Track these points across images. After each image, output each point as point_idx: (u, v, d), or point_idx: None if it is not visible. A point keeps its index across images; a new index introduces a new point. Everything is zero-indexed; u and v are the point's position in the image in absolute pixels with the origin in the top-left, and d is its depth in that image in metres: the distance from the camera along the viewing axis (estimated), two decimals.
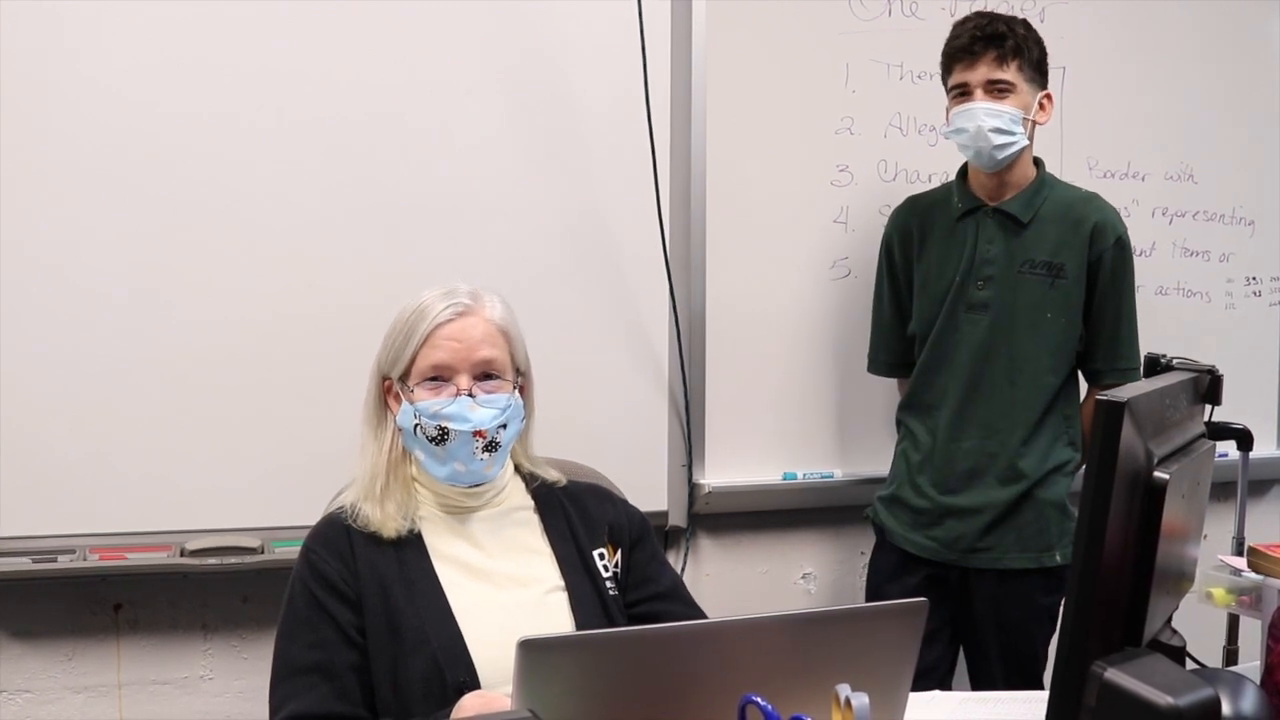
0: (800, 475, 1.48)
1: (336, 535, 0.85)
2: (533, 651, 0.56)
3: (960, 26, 1.25)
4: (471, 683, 0.79)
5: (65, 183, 1.15)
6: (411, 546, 0.85)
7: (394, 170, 1.26)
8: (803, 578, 1.54)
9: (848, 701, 0.55)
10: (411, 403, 0.85)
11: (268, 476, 1.21)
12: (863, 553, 1.48)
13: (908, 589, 1.26)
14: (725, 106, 1.41)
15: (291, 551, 0.90)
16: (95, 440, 1.16)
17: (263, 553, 1.20)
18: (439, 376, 0.85)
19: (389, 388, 0.88)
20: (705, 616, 0.89)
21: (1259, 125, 1.71)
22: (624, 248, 1.36)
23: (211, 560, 1.18)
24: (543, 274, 1.31)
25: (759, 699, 0.56)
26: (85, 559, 1.16)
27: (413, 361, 0.85)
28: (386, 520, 0.84)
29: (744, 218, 1.43)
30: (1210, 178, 1.68)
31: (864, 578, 1.43)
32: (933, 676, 1.26)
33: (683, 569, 1.43)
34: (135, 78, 1.16)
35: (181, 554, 1.18)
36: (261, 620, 1.26)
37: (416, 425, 0.85)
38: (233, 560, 1.19)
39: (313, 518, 0.91)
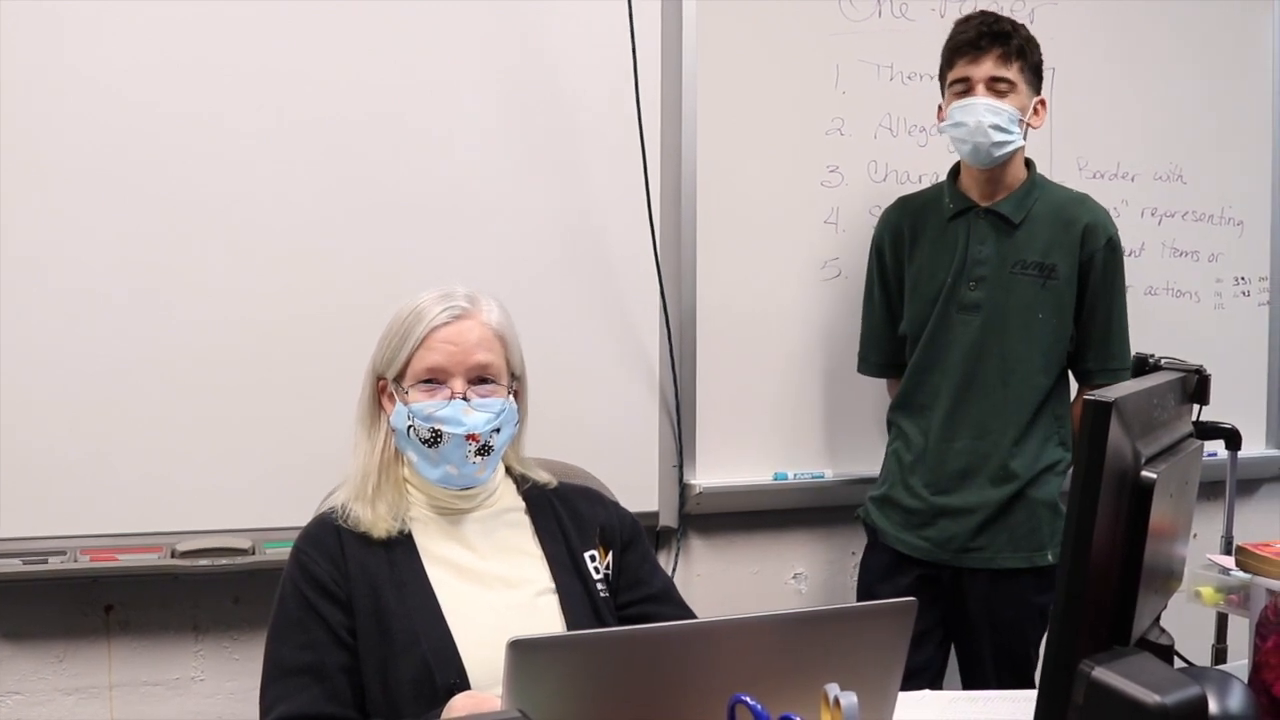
0: (791, 475, 1.48)
1: (327, 536, 0.85)
2: (522, 652, 0.56)
3: (965, 23, 1.25)
4: (462, 684, 0.79)
5: (63, 182, 1.14)
6: (402, 547, 0.85)
7: (388, 171, 1.25)
8: (794, 578, 1.55)
9: (836, 701, 0.56)
10: (406, 404, 0.85)
11: (259, 478, 1.20)
12: (853, 553, 1.49)
13: (900, 589, 1.26)
14: (716, 107, 1.41)
15: (282, 553, 0.90)
16: (86, 441, 1.15)
17: (254, 554, 1.20)
18: (434, 379, 0.85)
19: (383, 388, 0.88)
20: (696, 618, 0.89)
21: (1247, 125, 1.72)
22: (616, 249, 1.36)
23: (203, 561, 1.18)
24: (537, 275, 1.31)
25: (748, 699, 0.56)
26: (76, 560, 1.16)
27: (408, 363, 0.85)
28: (377, 521, 0.84)
29: (734, 218, 1.44)
30: (1199, 178, 1.69)
31: (855, 578, 1.43)
32: (924, 677, 1.26)
33: (673, 570, 1.43)
34: (135, 78, 1.16)
35: (172, 555, 1.18)
36: (253, 621, 1.26)
37: (410, 427, 0.85)
38: (224, 561, 1.18)
39: (304, 519, 0.90)
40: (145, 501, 1.17)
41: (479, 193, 1.29)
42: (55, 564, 1.15)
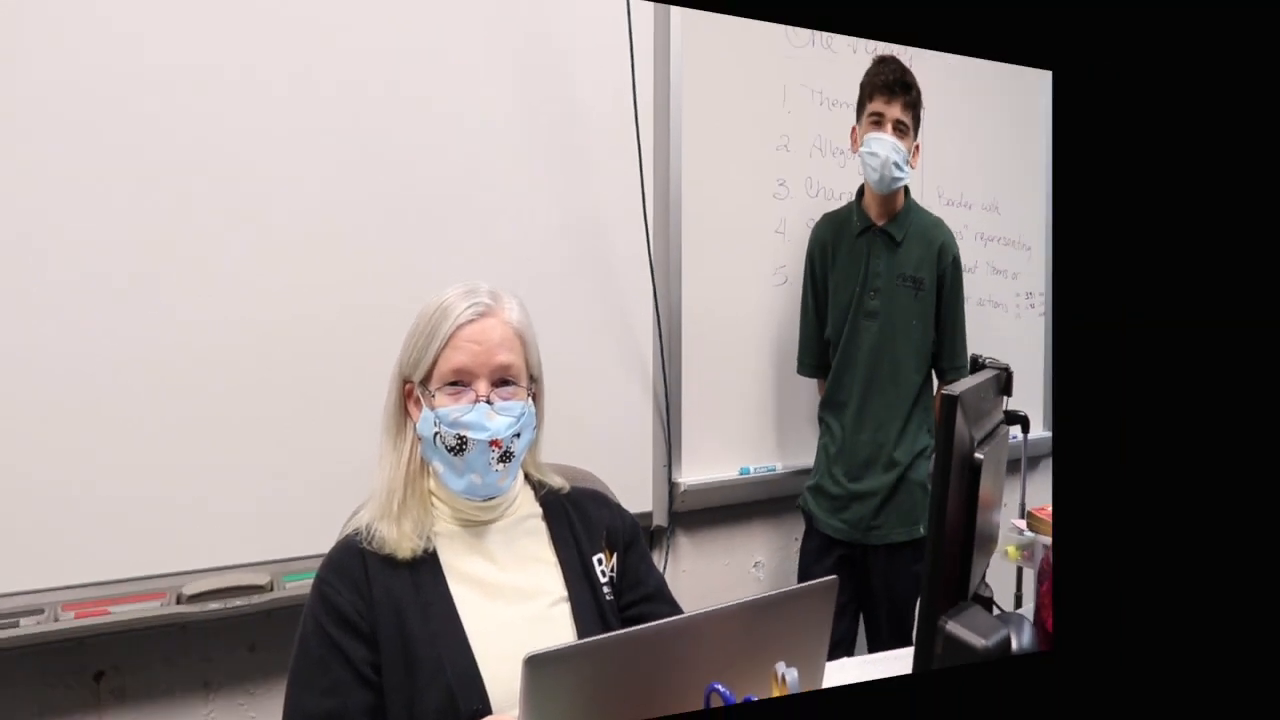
0: (752, 470, 1.65)
1: (350, 561, 0.83)
2: (537, 667, 0.59)
3: (885, 65, 1.46)
4: (484, 709, 0.81)
5: (55, 184, 1.05)
6: (426, 567, 0.84)
7: (392, 174, 1.23)
8: (754, 566, 1.70)
9: (784, 677, 0.65)
10: (433, 408, 0.84)
11: (273, 502, 1.06)
12: (795, 539, 1.68)
13: (827, 569, 1.51)
14: (697, 116, 1.51)
15: (304, 586, 0.83)
16: (66, 469, 0.96)
17: (271, 590, 1.06)
18: (459, 381, 0.85)
19: (409, 392, 0.87)
20: (684, 613, 0.83)
21: (1032, 168, 2.08)
22: (615, 249, 1.41)
23: (213, 605, 1.03)
24: (541, 276, 1.33)
25: (720, 686, 0.63)
26: (57, 619, 0.98)
27: (435, 363, 0.84)
28: (403, 540, 0.83)
29: (708, 228, 1.54)
30: (1007, 209, 2.03)
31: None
32: (842, 647, 1.51)
33: (664, 568, 1.51)
34: (136, 78, 1.08)
35: (177, 601, 1.03)
36: (270, 670, 1.15)
37: (437, 434, 0.84)
38: (238, 603, 1.04)
39: (326, 545, 0.84)
40: (141, 536, 0.99)
41: (481, 196, 1.30)
42: (30, 625, 0.95)
